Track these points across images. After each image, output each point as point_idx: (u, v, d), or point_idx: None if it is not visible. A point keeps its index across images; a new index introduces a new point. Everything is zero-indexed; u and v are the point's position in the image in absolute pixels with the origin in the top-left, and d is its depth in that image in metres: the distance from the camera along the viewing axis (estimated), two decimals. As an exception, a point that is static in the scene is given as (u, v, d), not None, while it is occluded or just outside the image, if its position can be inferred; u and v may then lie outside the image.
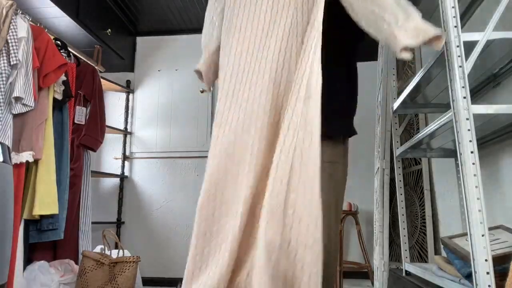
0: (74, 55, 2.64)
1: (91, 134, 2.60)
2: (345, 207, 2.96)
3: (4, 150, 1.37)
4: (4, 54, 1.92)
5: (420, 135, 1.59)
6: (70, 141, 2.40)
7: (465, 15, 1.76)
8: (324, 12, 1.14)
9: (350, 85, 1.43)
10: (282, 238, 1.02)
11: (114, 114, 3.44)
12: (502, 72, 1.51)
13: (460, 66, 1.18)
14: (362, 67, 4.35)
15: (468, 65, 1.18)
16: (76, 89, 2.57)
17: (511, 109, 1.20)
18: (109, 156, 3.40)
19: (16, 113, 1.97)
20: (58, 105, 2.31)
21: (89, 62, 2.80)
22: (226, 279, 1.05)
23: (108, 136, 3.27)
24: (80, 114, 2.61)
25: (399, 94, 1.97)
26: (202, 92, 3.38)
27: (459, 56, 1.19)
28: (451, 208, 2.13)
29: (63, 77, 2.29)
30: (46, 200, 2.07)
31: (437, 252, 2.26)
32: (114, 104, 3.49)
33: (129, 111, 3.47)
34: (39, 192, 2.06)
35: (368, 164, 3.39)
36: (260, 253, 1.02)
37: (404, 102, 1.87)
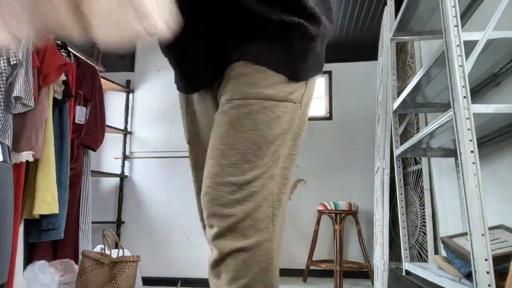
0: (74, 55, 2.63)
1: (91, 134, 2.60)
2: (345, 207, 2.96)
3: (4, 150, 1.37)
4: (4, 54, 1.92)
5: (420, 134, 1.60)
6: (70, 141, 2.40)
7: (465, 15, 1.76)
8: None
9: None
10: None
11: (114, 114, 3.44)
12: (502, 72, 1.51)
13: (461, 66, 1.18)
14: (362, 67, 4.32)
15: (469, 65, 1.18)
16: (76, 89, 2.57)
17: (511, 109, 1.20)
18: (109, 156, 3.40)
19: (16, 112, 1.97)
20: (58, 105, 2.31)
21: (89, 62, 2.79)
22: None
23: (108, 136, 3.27)
24: (80, 114, 2.61)
25: (399, 94, 1.97)
26: (202, 92, 3.38)
27: (459, 56, 1.19)
28: (451, 208, 2.13)
29: (63, 77, 2.29)
30: (46, 199, 2.07)
31: (437, 251, 2.26)
32: (114, 104, 3.49)
33: (129, 111, 3.47)
34: (39, 191, 2.06)
35: (368, 163, 3.39)
36: None
37: (404, 102, 1.88)
